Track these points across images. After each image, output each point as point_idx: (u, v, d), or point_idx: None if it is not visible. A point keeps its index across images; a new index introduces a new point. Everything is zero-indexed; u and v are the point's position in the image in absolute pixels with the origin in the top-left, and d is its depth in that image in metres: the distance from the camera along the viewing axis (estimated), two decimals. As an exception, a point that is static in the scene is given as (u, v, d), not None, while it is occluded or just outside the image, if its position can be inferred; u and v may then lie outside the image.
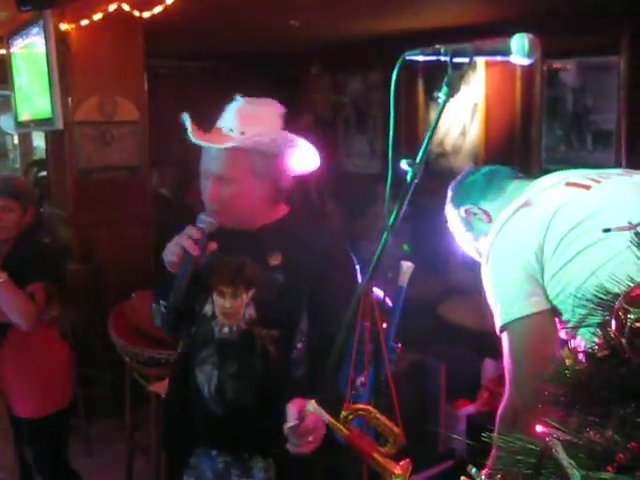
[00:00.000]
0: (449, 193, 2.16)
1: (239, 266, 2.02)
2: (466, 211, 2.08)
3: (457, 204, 2.12)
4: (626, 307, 0.56)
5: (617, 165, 4.21)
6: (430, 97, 6.12)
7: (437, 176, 5.74)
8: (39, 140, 7.71)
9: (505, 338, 1.79)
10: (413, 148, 1.37)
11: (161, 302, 2.07)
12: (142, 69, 4.82)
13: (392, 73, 1.41)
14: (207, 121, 2.02)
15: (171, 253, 1.95)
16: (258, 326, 2.01)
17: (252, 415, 2.00)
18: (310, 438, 1.72)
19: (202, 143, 1.95)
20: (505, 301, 1.78)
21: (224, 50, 5.64)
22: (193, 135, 1.94)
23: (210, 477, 2.14)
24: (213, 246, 1.97)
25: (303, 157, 2.02)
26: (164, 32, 4.80)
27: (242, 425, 2.04)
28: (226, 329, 2.03)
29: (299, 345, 2.04)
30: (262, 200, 2.03)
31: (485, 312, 1.89)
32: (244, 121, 1.94)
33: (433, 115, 1.41)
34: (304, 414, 1.71)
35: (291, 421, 1.69)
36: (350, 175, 6.37)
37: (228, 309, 2.03)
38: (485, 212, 2.03)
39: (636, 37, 4.52)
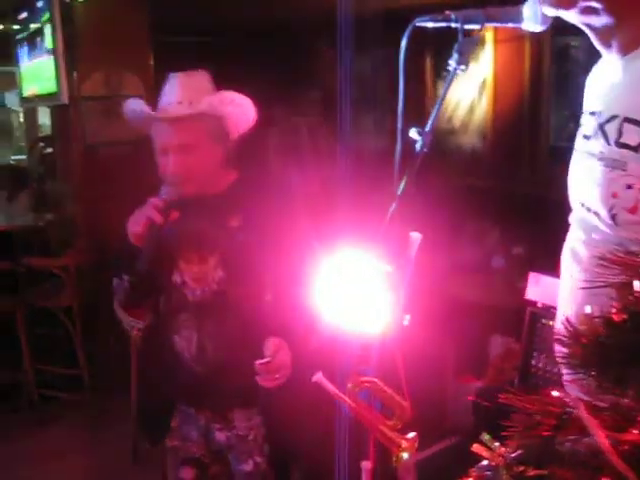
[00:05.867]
0: None
1: (202, 231, 2.13)
2: None
3: None
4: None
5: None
6: (438, 74, 6.06)
7: (445, 154, 5.73)
8: (45, 117, 7.67)
9: None
10: (420, 124, 1.35)
11: (125, 277, 2.11)
12: (148, 43, 4.79)
13: (399, 49, 1.39)
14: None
15: (136, 223, 2.03)
16: (228, 285, 2.13)
17: (233, 370, 2.12)
18: (277, 375, 1.97)
19: (163, 116, 2.05)
20: None
21: (230, 24, 5.60)
22: (149, 115, 2.06)
23: (195, 436, 2.27)
24: (175, 215, 2.05)
25: (244, 116, 2.13)
26: (170, 6, 4.75)
27: (224, 380, 2.15)
28: (199, 292, 2.15)
29: (268, 297, 2.16)
30: (219, 164, 2.15)
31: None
32: (188, 92, 2.06)
33: (441, 91, 1.39)
34: (276, 352, 1.97)
35: (266, 354, 1.95)
36: (358, 151, 6.33)
37: (197, 274, 2.14)
38: None
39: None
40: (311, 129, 5.62)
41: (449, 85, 1.38)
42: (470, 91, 5.83)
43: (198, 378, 2.18)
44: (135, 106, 2.12)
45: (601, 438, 0.44)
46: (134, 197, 4.86)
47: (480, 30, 1.38)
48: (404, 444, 1.38)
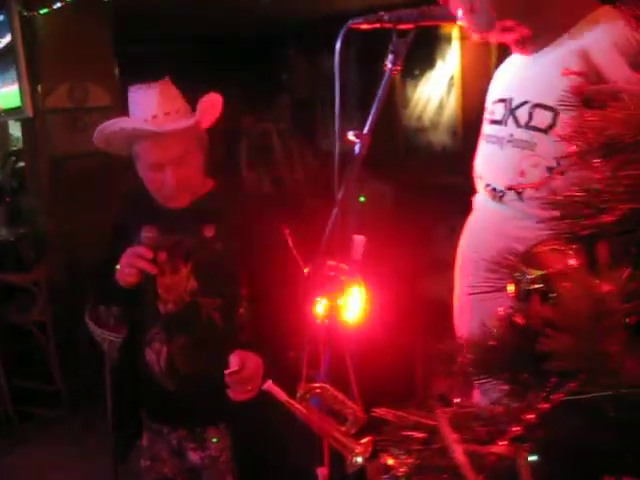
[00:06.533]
0: None
1: (176, 242, 2.09)
2: None
3: None
4: (524, 269, 0.53)
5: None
6: (408, 75, 6.06)
7: (415, 150, 5.72)
8: (17, 130, 7.61)
9: None
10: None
11: (112, 308, 2.12)
12: (112, 54, 4.76)
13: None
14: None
15: (128, 275, 2.00)
16: (201, 296, 2.08)
17: (204, 385, 2.07)
18: (249, 387, 1.92)
19: (162, 131, 1.95)
20: None
21: (194, 32, 5.58)
22: (140, 131, 1.96)
23: (166, 455, 2.21)
24: (163, 256, 2.04)
25: (214, 112, 2.10)
26: (133, 16, 4.73)
27: (194, 396, 2.10)
28: (170, 305, 2.10)
29: (241, 310, 2.12)
30: (202, 170, 2.12)
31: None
32: (168, 102, 2.00)
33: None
34: (244, 364, 1.91)
35: (233, 367, 1.88)
36: (327, 155, 6.30)
37: (169, 285, 2.10)
38: None
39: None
40: (280, 134, 5.61)
41: (385, 85, 1.38)
42: (439, 88, 5.84)
43: (169, 394, 2.13)
44: (114, 127, 2.03)
45: (457, 453, 0.43)
46: (103, 209, 4.83)
47: (415, 29, 1.38)
48: (358, 449, 1.37)
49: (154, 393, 2.15)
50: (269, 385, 1.61)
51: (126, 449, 2.28)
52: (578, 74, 0.63)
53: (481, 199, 1.59)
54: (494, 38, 1.45)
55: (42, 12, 4.37)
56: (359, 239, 1.38)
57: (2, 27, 4.49)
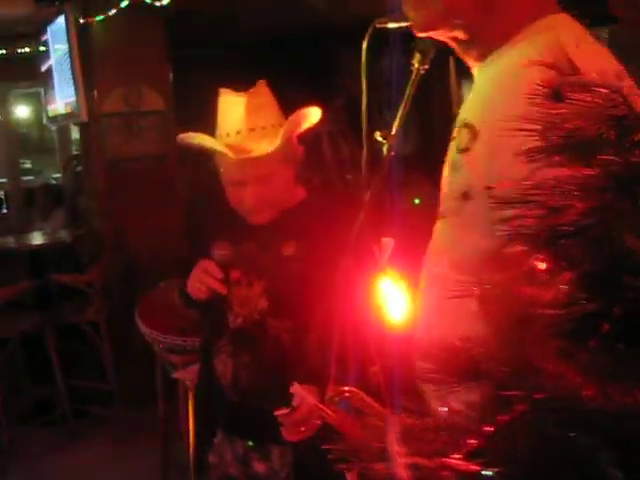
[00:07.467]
0: None
1: (252, 255, 2.00)
2: None
3: None
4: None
5: None
6: (464, 76, 5.98)
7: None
8: (76, 134, 7.81)
9: None
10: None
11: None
12: (166, 58, 4.83)
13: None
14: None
15: (198, 291, 1.97)
16: (270, 317, 1.99)
17: (267, 403, 1.94)
18: (302, 428, 1.77)
19: (235, 155, 1.87)
20: None
21: (248, 36, 5.61)
22: (219, 152, 1.90)
23: (230, 459, 2.15)
24: (236, 275, 1.98)
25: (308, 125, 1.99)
26: (187, 20, 4.78)
27: (258, 413, 2.00)
28: (239, 319, 2.02)
29: (313, 335, 1.98)
30: (292, 183, 2.02)
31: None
32: (257, 116, 1.90)
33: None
34: (298, 402, 1.73)
35: (285, 408, 1.74)
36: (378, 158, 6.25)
37: (243, 298, 2.01)
38: None
39: None
40: (332, 137, 5.57)
41: (413, 86, 1.35)
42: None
43: (235, 405, 2.07)
44: (193, 141, 1.97)
45: (399, 468, 0.41)
46: (157, 212, 4.91)
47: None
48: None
49: (222, 402, 2.10)
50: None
51: (205, 447, 2.25)
52: (546, 65, 0.57)
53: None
54: (440, 36, 1.27)
55: (98, 19, 4.46)
56: (387, 242, 1.36)
57: (60, 34, 4.61)
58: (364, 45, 1.36)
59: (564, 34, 1.13)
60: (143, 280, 4.64)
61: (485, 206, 1.01)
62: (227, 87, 1.97)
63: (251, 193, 1.92)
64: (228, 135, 1.90)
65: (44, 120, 7.29)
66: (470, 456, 0.42)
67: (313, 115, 1.97)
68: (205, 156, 2.12)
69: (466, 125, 1.21)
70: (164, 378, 3.85)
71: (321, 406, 1.44)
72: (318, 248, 1.92)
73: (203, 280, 1.96)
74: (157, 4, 4.34)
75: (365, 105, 1.38)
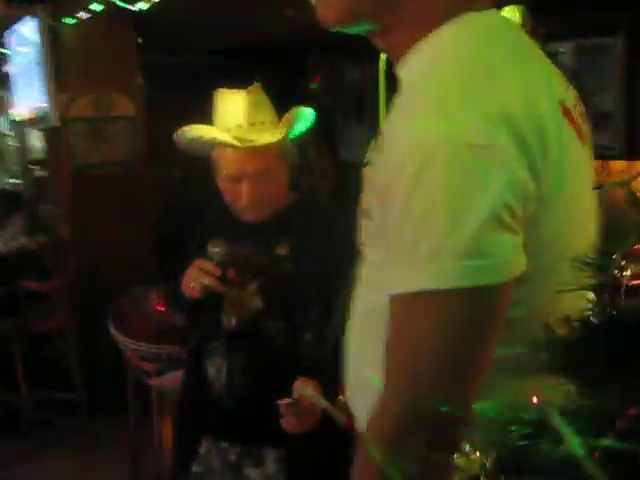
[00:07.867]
0: None
1: (245, 258, 2.01)
2: None
3: None
4: (623, 264, 0.53)
5: (615, 146, 4.15)
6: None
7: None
8: (36, 140, 7.68)
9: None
10: None
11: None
12: (136, 64, 4.79)
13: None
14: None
15: (192, 289, 1.96)
16: (264, 317, 2.00)
17: (263, 406, 1.96)
18: (303, 420, 1.80)
19: (238, 143, 1.89)
20: None
21: (219, 44, 5.61)
22: (221, 143, 1.92)
23: (219, 468, 2.12)
24: (232, 274, 1.97)
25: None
26: (160, 27, 4.76)
27: (253, 416, 2.02)
28: (233, 320, 2.02)
29: (308, 336, 2.01)
30: (286, 183, 2.05)
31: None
32: (257, 112, 1.93)
33: None
34: (301, 395, 1.78)
35: (287, 398, 1.77)
36: (348, 164, 6.31)
37: (235, 299, 2.01)
38: None
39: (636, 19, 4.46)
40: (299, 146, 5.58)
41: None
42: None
43: (228, 410, 2.05)
44: (195, 133, 1.96)
45: (575, 445, 0.43)
46: (124, 219, 4.85)
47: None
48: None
49: (214, 407, 2.08)
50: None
51: (187, 456, 2.21)
52: None
53: None
54: (351, 31, 1.08)
55: (69, 22, 4.40)
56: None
57: (24, 37, 4.54)
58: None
59: (440, 51, 0.98)
60: (110, 287, 4.58)
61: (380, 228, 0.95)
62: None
63: (248, 189, 1.94)
64: (229, 130, 1.92)
65: (1, 125, 7.18)
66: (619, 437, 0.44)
67: (309, 115, 2.03)
68: (187, 160, 2.13)
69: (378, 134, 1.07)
70: (135, 387, 3.81)
71: (333, 410, 1.46)
72: (313, 248, 1.96)
73: (199, 278, 1.95)
74: (132, 9, 4.30)
75: (383, 110, 1.39)
